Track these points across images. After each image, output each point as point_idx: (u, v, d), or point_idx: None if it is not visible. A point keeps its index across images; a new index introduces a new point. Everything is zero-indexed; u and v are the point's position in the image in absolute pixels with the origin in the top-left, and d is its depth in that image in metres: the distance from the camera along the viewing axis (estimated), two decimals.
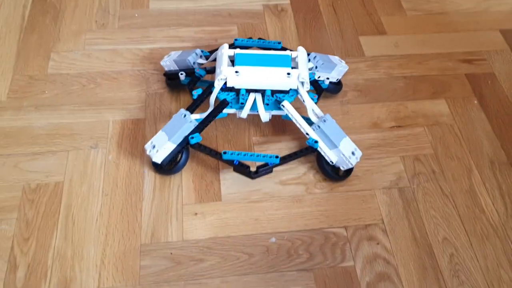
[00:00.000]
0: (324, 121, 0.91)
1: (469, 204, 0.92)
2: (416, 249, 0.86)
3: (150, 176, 0.92)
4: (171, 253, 0.84)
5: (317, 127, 0.91)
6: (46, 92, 1.04)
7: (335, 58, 1.04)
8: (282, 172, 0.94)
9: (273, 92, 0.91)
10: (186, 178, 0.92)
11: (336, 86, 1.05)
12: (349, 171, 0.93)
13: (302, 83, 0.90)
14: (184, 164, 0.93)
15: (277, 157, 0.88)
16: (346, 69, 1.04)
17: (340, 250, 0.85)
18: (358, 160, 0.92)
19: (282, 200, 0.91)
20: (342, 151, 0.89)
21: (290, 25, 1.20)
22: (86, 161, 0.94)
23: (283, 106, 0.91)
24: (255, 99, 0.92)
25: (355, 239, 0.87)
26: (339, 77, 1.04)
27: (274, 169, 0.93)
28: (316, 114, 0.93)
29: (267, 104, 0.93)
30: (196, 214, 0.88)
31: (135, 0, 1.23)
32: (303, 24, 1.21)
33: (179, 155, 0.92)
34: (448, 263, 0.85)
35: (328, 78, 1.01)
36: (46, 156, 0.94)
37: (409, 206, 0.91)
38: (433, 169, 0.96)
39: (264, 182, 0.93)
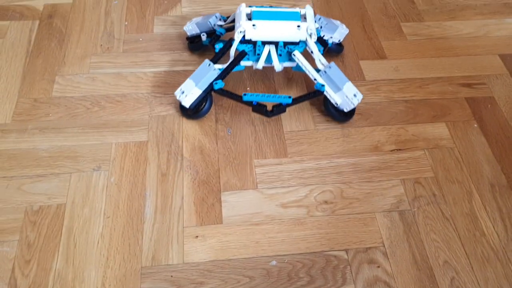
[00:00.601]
0: (330, 67, 1.03)
1: (470, 227, 0.92)
2: (417, 272, 0.86)
3: (151, 198, 0.93)
4: (172, 276, 0.84)
5: (323, 73, 1.03)
6: (51, 115, 1.06)
7: (337, 22, 1.17)
8: (283, 195, 0.95)
9: (285, 44, 1.03)
10: (187, 200, 0.93)
11: (338, 47, 1.18)
12: (351, 113, 1.06)
13: (310, 35, 1.01)
14: (207, 110, 1.05)
15: (290, 97, 1.01)
16: (347, 32, 1.17)
17: (341, 273, 0.86)
18: (359, 101, 1.03)
19: (283, 223, 0.91)
20: (345, 93, 1.02)
21: None
22: (89, 184, 0.95)
23: (294, 55, 1.02)
24: (269, 52, 1.04)
25: (355, 262, 0.87)
26: (341, 39, 1.16)
27: (276, 190, 0.94)
28: (322, 63, 1.05)
29: (280, 55, 1.04)
30: (197, 236, 0.89)
31: (139, 25, 1.26)
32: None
33: (203, 103, 1.04)
34: (449, 286, 0.85)
35: (331, 37, 1.14)
36: (49, 179, 0.95)
37: (410, 229, 0.91)
38: (434, 192, 0.97)
39: (265, 205, 0.93)
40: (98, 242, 0.87)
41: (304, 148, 1.03)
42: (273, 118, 1.07)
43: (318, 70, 1.04)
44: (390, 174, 0.99)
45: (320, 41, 1.12)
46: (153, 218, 0.91)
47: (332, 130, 1.06)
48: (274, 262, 0.87)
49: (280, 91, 1.13)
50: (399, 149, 1.04)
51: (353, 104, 1.03)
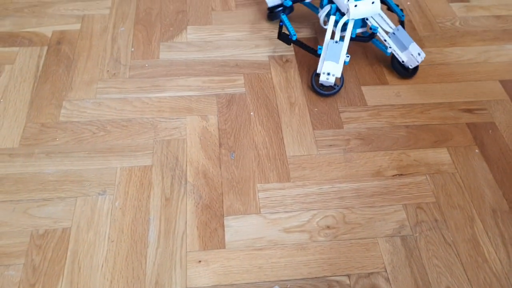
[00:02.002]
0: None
1: (472, 253, 0.93)
2: None
3: (155, 223, 0.95)
4: None
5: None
6: (57, 139, 1.08)
7: (415, 46, 1.20)
8: (286, 220, 0.96)
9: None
10: (190, 225, 0.95)
11: (404, 70, 1.25)
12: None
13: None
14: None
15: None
16: (417, 63, 1.21)
17: None
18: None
19: (285, 248, 0.92)
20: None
21: (295, 75, 1.25)
22: (94, 208, 0.96)
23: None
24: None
25: (357, 287, 0.88)
26: (408, 63, 1.21)
27: (279, 215, 0.95)
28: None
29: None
30: (200, 261, 0.90)
31: (145, 51, 1.29)
32: (307, 74, 1.25)
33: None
34: None
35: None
36: (55, 202, 0.97)
37: (412, 254, 0.92)
38: (436, 218, 0.97)
39: (268, 230, 0.95)
40: (102, 266, 0.89)
41: (306, 172, 1.04)
42: (276, 142, 1.09)
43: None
44: (392, 199, 1.00)
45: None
46: (157, 243, 0.92)
47: (335, 155, 1.08)
48: (276, 287, 0.87)
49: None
50: (401, 174, 1.05)
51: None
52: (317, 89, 1.18)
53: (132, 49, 1.30)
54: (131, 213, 0.96)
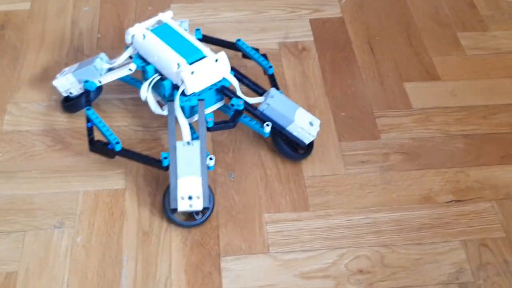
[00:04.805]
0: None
1: None
2: None
3: (129, 265, 0.96)
4: None
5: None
6: (0, 155, 1.09)
7: (303, 114, 1.08)
8: (303, 262, 0.97)
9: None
10: (176, 268, 0.95)
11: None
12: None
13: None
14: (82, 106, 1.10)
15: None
16: (313, 137, 1.08)
17: None
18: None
19: None
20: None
21: (314, 69, 1.26)
22: (48, 245, 0.97)
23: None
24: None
25: None
26: (300, 141, 1.09)
27: (294, 255, 0.97)
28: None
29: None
30: None
31: (116, 38, 1.31)
32: (331, 67, 1.27)
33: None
34: None
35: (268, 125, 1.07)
36: None
37: None
38: (506, 259, 0.98)
39: (279, 275, 0.95)
40: None
41: (331, 198, 1.05)
42: (289, 160, 1.10)
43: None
44: (447, 234, 1.01)
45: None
46: None
47: (369, 174, 1.09)
48: None
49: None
50: (458, 201, 1.06)
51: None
52: (174, 218, 1.01)
53: (99, 35, 1.32)
54: (98, 252, 0.97)
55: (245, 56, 1.19)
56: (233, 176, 1.08)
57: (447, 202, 1.05)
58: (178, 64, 1.01)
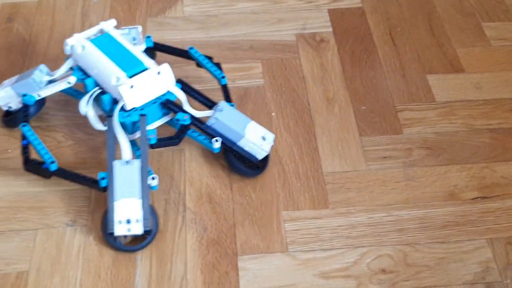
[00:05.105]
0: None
1: None
2: None
3: (143, 264, 0.96)
4: None
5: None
6: (10, 150, 1.10)
7: (254, 128, 1.05)
8: (323, 261, 0.97)
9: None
10: (192, 267, 0.96)
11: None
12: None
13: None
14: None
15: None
16: (266, 152, 1.06)
17: None
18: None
19: None
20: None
21: (333, 61, 1.26)
22: (60, 244, 0.98)
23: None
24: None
25: None
26: (252, 156, 1.06)
27: (313, 254, 0.97)
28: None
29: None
30: None
31: None
32: (351, 59, 1.26)
33: None
34: None
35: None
36: (6, 237, 0.99)
37: None
38: None
39: (299, 275, 0.95)
40: None
41: (351, 195, 1.05)
42: (308, 153, 1.10)
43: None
44: (473, 232, 1.00)
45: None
46: None
47: (391, 170, 1.08)
48: None
49: None
50: (484, 197, 1.05)
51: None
52: (112, 242, 0.97)
53: None
54: (112, 251, 0.97)
55: (199, 64, 1.16)
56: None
57: (473, 199, 1.05)
58: (117, 77, 0.99)
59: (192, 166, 1.08)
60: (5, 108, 1.11)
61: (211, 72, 1.14)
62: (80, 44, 1.05)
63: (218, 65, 1.15)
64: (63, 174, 1.01)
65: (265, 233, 1.00)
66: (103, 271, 0.95)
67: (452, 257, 0.98)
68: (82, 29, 1.31)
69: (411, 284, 0.95)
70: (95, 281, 0.94)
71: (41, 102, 1.13)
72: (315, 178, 1.07)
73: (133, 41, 1.11)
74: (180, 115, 1.03)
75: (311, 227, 1.01)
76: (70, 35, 1.28)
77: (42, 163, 1.00)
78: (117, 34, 1.07)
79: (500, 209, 1.03)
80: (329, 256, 0.98)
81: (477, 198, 1.05)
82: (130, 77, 0.99)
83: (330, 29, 1.32)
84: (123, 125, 1.00)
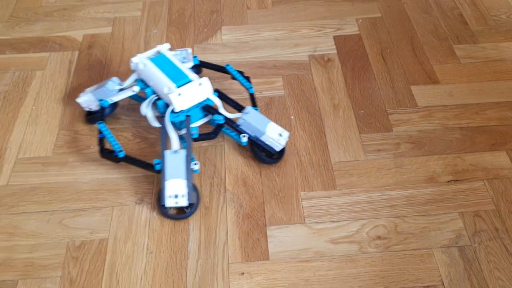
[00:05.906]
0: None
1: None
2: None
3: (195, 233, 0.97)
4: None
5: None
6: (92, 147, 1.12)
7: (273, 127, 1.06)
8: (333, 230, 0.97)
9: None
10: (231, 235, 0.96)
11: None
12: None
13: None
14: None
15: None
16: (282, 146, 1.06)
17: None
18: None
19: (333, 260, 0.93)
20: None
21: (338, 76, 1.25)
22: (131, 217, 0.99)
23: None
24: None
25: None
26: (271, 149, 1.06)
27: (325, 225, 0.97)
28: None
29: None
30: (242, 273, 0.91)
31: None
32: (351, 74, 1.26)
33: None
34: None
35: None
36: (90, 212, 1.00)
37: (471, 266, 0.91)
38: (496, 227, 0.96)
39: (314, 241, 0.95)
40: (141, 279, 0.91)
41: (354, 179, 1.05)
42: (320, 147, 1.10)
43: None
44: (448, 207, 1.00)
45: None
46: (197, 254, 0.94)
47: (384, 160, 1.08)
48: None
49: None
50: (456, 180, 1.04)
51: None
52: (164, 211, 0.99)
53: None
54: (170, 223, 0.98)
55: (233, 78, 1.18)
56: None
57: (447, 182, 1.04)
58: (168, 87, 1.01)
59: (230, 158, 1.09)
60: (87, 109, 1.15)
61: (242, 84, 1.15)
62: (142, 62, 1.07)
63: (247, 78, 1.16)
64: (128, 160, 1.04)
65: (287, 209, 1.00)
66: (164, 238, 0.96)
67: (432, 226, 0.97)
68: None
69: (400, 247, 0.94)
70: (158, 245, 0.95)
71: (114, 105, 1.17)
72: (325, 166, 1.07)
73: (183, 60, 1.13)
74: (216, 116, 1.05)
75: (322, 204, 1.01)
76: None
77: (113, 151, 1.04)
78: (170, 55, 1.09)
79: (469, 189, 1.03)
80: (337, 226, 0.98)
81: (451, 181, 1.04)
82: (178, 87, 1.01)
83: (335, 51, 1.32)
84: (173, 124, 1.03)
